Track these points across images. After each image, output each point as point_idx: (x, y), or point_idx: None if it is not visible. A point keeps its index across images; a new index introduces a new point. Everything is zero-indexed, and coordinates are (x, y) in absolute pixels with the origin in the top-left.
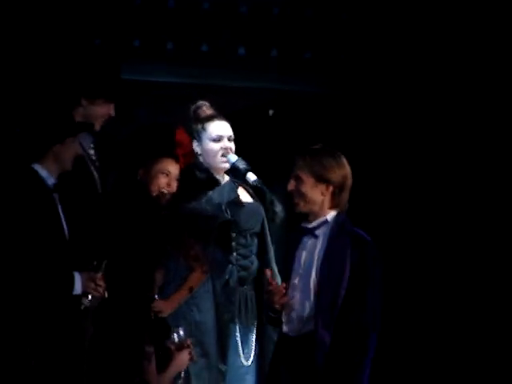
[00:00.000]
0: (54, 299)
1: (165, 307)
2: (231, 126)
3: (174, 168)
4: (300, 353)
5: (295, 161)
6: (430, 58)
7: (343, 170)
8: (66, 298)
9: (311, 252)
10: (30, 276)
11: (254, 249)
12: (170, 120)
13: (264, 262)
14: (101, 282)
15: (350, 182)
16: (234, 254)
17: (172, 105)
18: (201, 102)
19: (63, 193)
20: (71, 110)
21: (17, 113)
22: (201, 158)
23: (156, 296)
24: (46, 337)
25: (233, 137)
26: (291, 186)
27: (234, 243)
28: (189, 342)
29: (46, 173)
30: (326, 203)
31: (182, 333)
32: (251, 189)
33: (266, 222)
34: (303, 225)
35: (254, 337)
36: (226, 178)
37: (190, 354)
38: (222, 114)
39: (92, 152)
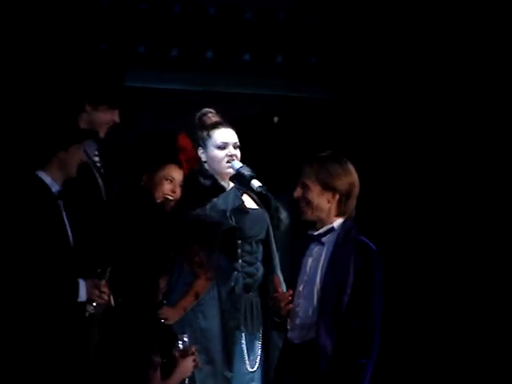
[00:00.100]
0: (58, 306)
1: (171, 314)
2: (236, 132)
3: (177, 174)
4: (303, 360)
5: (302, 168)
6: (437, 63)
7: (350, 178)
8: (71, 305)
9: (317, 259)
10: (35, 283)
11: (260, 256)
12: (175, 127)
13: (269, 269)
14: (105, 289)
15: (356, 189)
16: (240, 260)
17: (177, 112)
18: (206, 109)
19: (68, 200)
20: (76, 116)
21: (22, 119)
22: (206, 165)
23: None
24: (51, 344)
25: (238, 144)
26: (298, 193)
27: (239, 250)
28: (193, 349)
29: (50, 180)
30: (333, 211)
31: (186, 340)
32: (256, 195)
33: (270, 229)
34: (310, 232)
35: (260, 344)
36: (231, 184)
37: (194, 361)
38: (227, 121)
39: (97, 159)
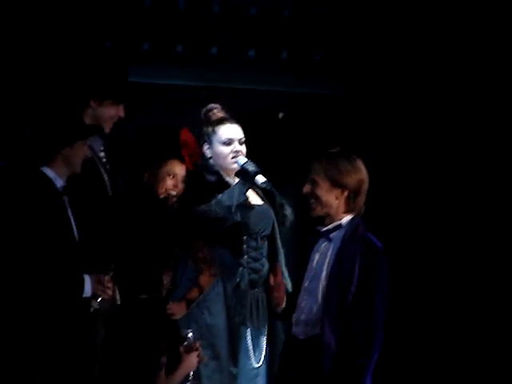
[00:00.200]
0: (64, 301)
1: (178, 310)
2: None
3: (180, 169)
4: (307, 356)
5: (311, 164)
6: (441, 59)
7: (359, 175)
8: (76, 301)
9: (324, 255)
10: (40, 278)
11: (265, 251)
12: (180, 123)
13: (274, 265)
14: (109, 284)
15: (366, 186)
16: (245, 256)
17: (182, 107)
18: (212, 105)
19: (73, 195)
20: (81, 112)
21: (27, 116)
22: (211, 161)
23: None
24: (56, 339)
25: (244, 139)
26: (306, 189)
27: (244, 246)
28: (197, 344)
29: (55, 175)
30: (341, 207)
31: (190, 335)
32: (261, 191)
33: (276, 225)
34: (319, 228)
35: (265, 339)
36: (237, 180)
37: (198, 356)
38: (233, 116)
39: (102, 155)
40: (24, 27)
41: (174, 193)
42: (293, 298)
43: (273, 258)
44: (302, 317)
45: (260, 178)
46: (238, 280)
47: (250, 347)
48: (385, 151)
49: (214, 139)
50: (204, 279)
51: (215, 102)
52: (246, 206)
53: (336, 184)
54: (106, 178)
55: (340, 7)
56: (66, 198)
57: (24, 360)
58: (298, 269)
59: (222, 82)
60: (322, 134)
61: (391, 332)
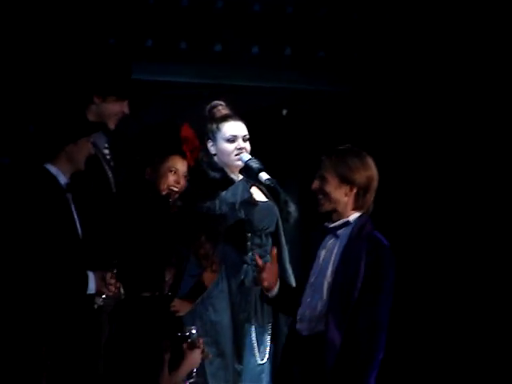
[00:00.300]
0: (68, 299)
1: (182, 307)
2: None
3: (181, 165)
4: (310, 352)
5: (321, 161)
6: (442, 56)
7: (369, 172)
8: (80, 298)
9: (330, 252)
10: (44, 276)
11: (269, 248)
12: (183, 120)
13: (278, 262)
14: (112, 281)
15: (375, 183)
16: (250, 253)
17: (185, 104)
18: (216, 102)
19: (76, 192)
20: (84, 109)
21: (30, 112)
22: (216, 158)
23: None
24: (61, 336)
25: (248, 136)
26: (315, 185)
27: (249, 243)
28: (201, 341)
29: (58, 172)
30: (350, 204)
31: (194, 332)
32: (265, 188)
33: (280, 222)
34: (326, 224)
35: (269, 336)
36: (241, 177)
37: (202, 353)
38: (237, 113)
39: (106, 152)
40: (27, 24)
41: (176, 189)
42: (297, 294)
43: (277, 254)
44: (307, 313)
45: (264, 175)
46: (243, 277)
47: (255, 344)
48: (389, 148)
49: (218, 136)
50: (207, 276)
51: (219, 99)
52: (250, 202)
53: (345, 180)
54: (110, 174)
55: (343, 4)
56: (69, 195)
57: (28, 357)
58: (302, 265)
59: (226, 79)
60: (325, 131)
61: (397, 331)
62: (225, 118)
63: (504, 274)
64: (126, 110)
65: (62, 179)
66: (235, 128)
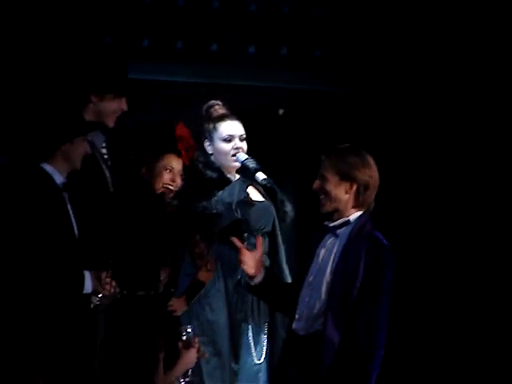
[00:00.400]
0: (64, 298)
1: (179, 306)
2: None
3: (176, 163)
4: (308, 352)
5: (321, 160)
6: (440, 57)
7: (369, 170)
8: (77, 297)
9: (330, 251)
10: (40, 275)
11: (266, 248)
12: (180, 120)
13: (275, 262)
14: (108, 280)
15: (375, 182)
16: None
17: (182, 104)
18: (213, 101)
19: (73, 192)
20: (81, 108)
21: (26, 111)
22: (212, 158)
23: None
24: (57, 336)
25: (244, 136)
26: (316, 185)
27: (245, 243)
28: (197, 340)
29: (54, 172)
30: (350, 202)
31: (190, 331)
32: (262, 188)
33: (276, 222)
34: (326, 223)
35: (266, 335)
36: (237, 177)
37: (197, 352)
38: (233, 113)
39: (104, 151)
40: (24, 24)
41: (171, 187)
42: (295, 293)
43: (273, 254)
44: (305, 312)
45: (260, 175)
46: (239, 277)
47: (252, 344)
48: (386, 148)
49: (215, 136)
50: (203, 275)
51: (215, 99)
52: (247, 202)
53: (345, 177)
54: (107, 174)
55: (340, 4)
56: (65, 195)
57: (25, 357)
58: (299, 265)
59: (222, 79)
60: (322, 131)
61: (397, 331)
62: (221, 118)
63: (504, 273)
64: (125, 107)
65: (58, 178)
66: (232, 128)
